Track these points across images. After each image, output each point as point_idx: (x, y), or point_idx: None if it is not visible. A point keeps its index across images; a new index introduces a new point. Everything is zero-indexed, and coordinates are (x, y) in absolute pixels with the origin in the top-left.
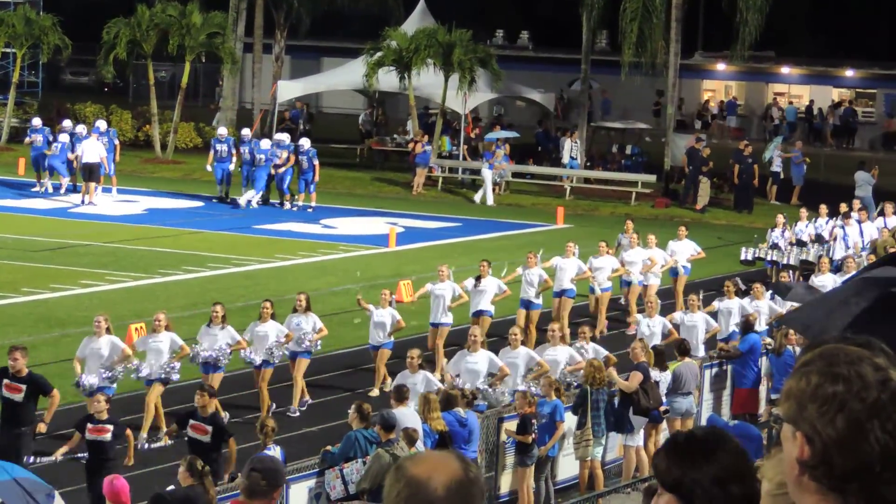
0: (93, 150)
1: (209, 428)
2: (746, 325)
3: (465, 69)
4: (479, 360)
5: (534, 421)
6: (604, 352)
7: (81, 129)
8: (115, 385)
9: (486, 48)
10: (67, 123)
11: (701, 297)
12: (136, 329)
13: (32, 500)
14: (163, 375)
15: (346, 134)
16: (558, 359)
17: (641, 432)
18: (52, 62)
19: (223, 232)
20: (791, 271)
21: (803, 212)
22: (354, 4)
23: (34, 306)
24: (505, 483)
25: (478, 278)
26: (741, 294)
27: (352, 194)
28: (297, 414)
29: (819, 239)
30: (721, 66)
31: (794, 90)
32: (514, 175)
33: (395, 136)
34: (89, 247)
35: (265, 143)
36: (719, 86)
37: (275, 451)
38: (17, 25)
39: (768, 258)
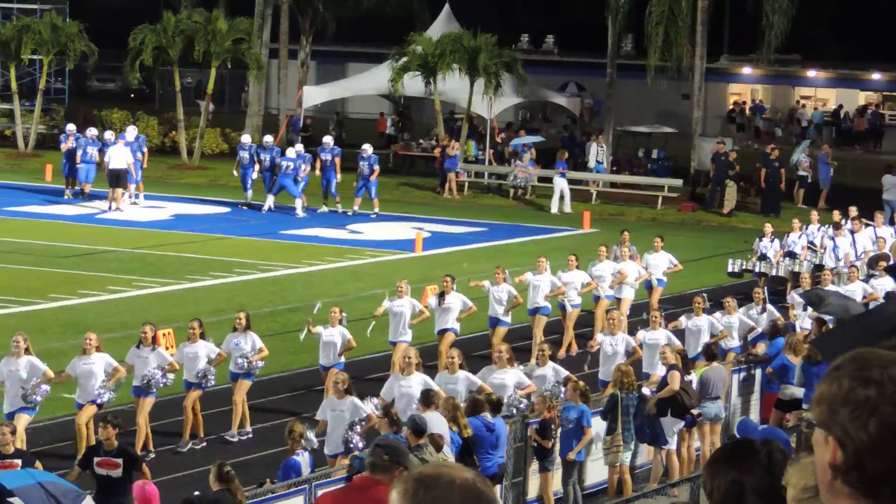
0: (120, 156)
1: (119, 461)
2: (774, 330)
3: (490, 74)
4: (413, 383)
5: (553, 426)
6: (564, 372)
7: (109, 135)
8: (36, 409)
9: (511, 52)
10: (92, 131)
11: (706, 302)
12: (164, 335)
13: (54, 502)
14: (95, 399)
15: (371, 139)
16: (506, 382)
17: (675, 436)
18: (79, 69)
19: (250, 237)
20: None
21: (796, 222)
22: (380, 9)
23: (62, 312)
24: (532, 488)
25: (441, 295)
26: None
27: (378, 199)
28: (237, 439)
29: (811, 248)
30: (747, 70)
31: (820, 93)
32: (540, 180)
33: (421, 140)
34: (116, 253)
35: (290, 152)
36: (745, 89)
37: (303, 457)
38: (44, 32)
39: (756, 269)
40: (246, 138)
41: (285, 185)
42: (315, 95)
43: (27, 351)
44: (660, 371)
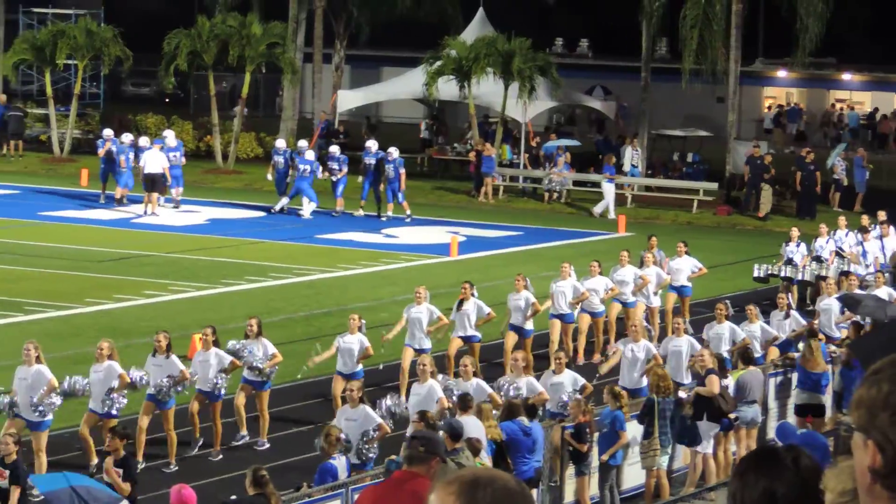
0: (156, 161)
1: (120, 471)
2: (811, 333)
3: (524, 77)
4: (425, 391)
5: (588, 430)
6: (581, 380)
7: (144, 140)
8: (49, 417)
9: (545, 56)
10: (128, 136)
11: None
12: (201, 338)
13: None
14: (104, 409)
15: (406, 143)
16: (523, 392)
17: (711, 440)
18: (114, 74)
19: (285, 242)
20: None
21: (823, 227)
22: (414, 14)
23: (98, 317)
24: (569, 492)
25: (460, 302)
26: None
27: (413, 203)
28: (266, 446)
29: (839, 254)
30: (782, 73)
31: (855, 97)
32: (575, 183)
33: (456, 144)
34: (152, 257)
35: (309, 154)
36: (780, 93)
37: (340, 461)
38: (79, 37)
39: (782, 275)
40: (280, 143)
41: (301, 187)
42: (349, 100)
43: (38, 360)
44: (685, 378)
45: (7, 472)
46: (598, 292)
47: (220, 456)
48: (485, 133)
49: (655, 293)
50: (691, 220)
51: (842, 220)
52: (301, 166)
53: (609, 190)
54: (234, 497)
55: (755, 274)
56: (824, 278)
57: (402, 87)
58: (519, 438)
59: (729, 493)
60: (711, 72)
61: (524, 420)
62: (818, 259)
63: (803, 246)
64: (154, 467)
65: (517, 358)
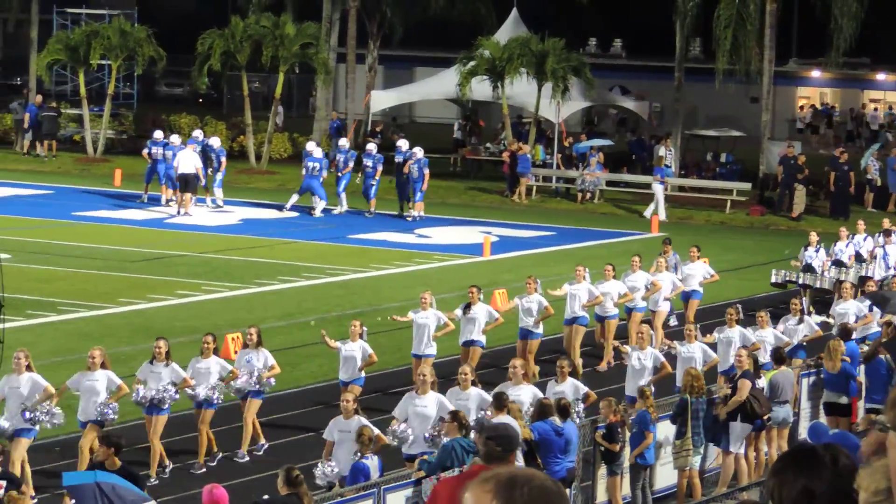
0: (189, 161)
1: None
2: (844, 332)
3: (558, 78)
4: (429, 402)
5: (620, 430)
6: (584, 388)
7: (176, 139)
8: (37, 427)
9: (578, 56)
10: (158, 134)
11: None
12: (233, 339)
13: (105, 502)
14: (98, 417)
15: (439, 143)
16: (521, 399)
17: (743, 440)
18: (147, 74)
19: (318, 242)
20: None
21: (843, 231)
22: (447, 14)
23: (132, 316)
24: (601, 492)
25: (467, 306)
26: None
27: (446, 203)
28: (246, 459)
29: (858, 258)
30: (816, 73)
31: (889, 97)
32: (608, 183)
33: (489, 144)
34: (185, 257)
35: (318, 153)
36: (814, 93)
37: (372, 461)
38: (113, 37)
39: (800, 281)
40: (311, 146)
41: (312, 185)
42: (383, 100)
43: (28, 368)
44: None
45: (3, 483)
46: (612, 296)
47: (203, 469)
48: (518, 133)
49: (667, 299)
50: (724, 221)
51: (860, 224)
52: (310, 164)
53: (659, 191)
54: (266, 497)
55: (773, 279)
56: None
57: (436, 88)
58: (551, 438)
59: (767, 491)
60: (745, 72)
61: (556, 420)
62: (838, 263)
63: (822, 251)
64: (182, 469)
65: (516, 366)
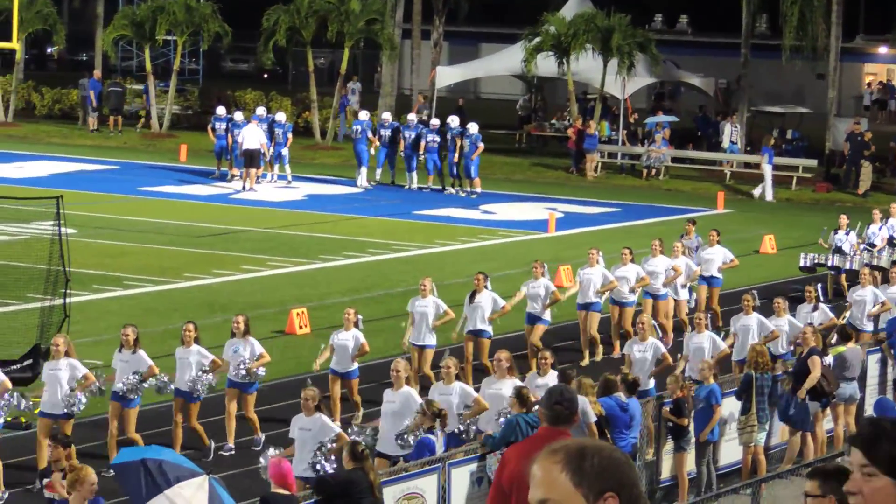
0: (253, 136)
1: None
2: None
3: (623, 54)
4: (397, 399)
5: (687, 405)
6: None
7: (240, 116)
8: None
9: (644, 32)
10: (221, 110)
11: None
12: (298, 314)
13: (150, 482)
14: (64, 410)
15: (504, 119)
16: (503, 393)
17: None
18: (213, 49)
19: (383, 217)
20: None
21: (876, 213)
22: None
23: (197, 291)
24: (666, 468)
25: (472, 294)
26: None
27: (511, 180)
28: (232, 452)
29: (892, 242)
30: (883, 50)
31: None
32: (674, 160)
33: (554, 121)
34: (250, 233)
35: (363, 115)
36: (881, 69)
37: (438, 436)
38: (178, 13)
39: (829, 263)
40: (386, 115)
41: (358, 151)
42: (448, 76)
43: (67, 353)
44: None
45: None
46: (628, 281)
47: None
48: (584, 110)
49: (684, 286)
50: (790, 198)
51: (894, 207)
52: (355, 127)
53: (768, 171)
54: (331, 471)
55: (801, 263)
56: (877, 267)
57: (501, 64)
58: (616, 414)
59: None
60: (812, 48)
61: (621, 396)
62: (871, 246)
63: (852, 234)
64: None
65: (500, 359)
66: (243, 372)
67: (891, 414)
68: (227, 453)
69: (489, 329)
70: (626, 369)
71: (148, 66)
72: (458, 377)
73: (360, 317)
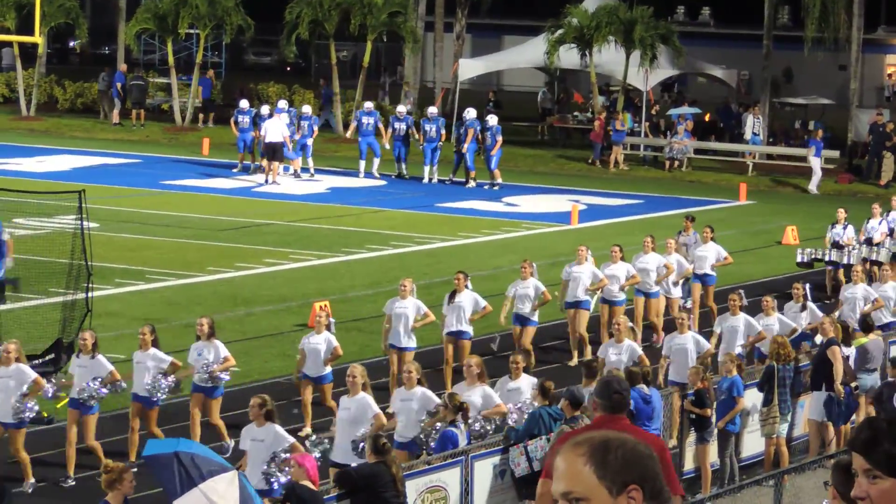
0: (275, 129)
1: None
2: None
3: (646, 46)
4: (353, 405)
5: (709, 395)
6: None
7: (265, 109)
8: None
9: (667, 24)
10: (244, 103)
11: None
12: (321, 307)
13: (184, 475)
14: (11, 418)
15: (527, 111)
16: (472, 399)
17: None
18: (235, 42)
19: (405, 210)
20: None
21: (876, 207)
22: None
23: (219, 285)
24: (688, 459)
25: (452, 294)
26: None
27: (533, 172)
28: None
29: (892, 234)
30: None
31: None
32: (696, 151)
33: (577, 113)
34: (273, 226)
35: (368, 106)
36: None
37: (461, 429)
38: (201, 6)
39: (827, 258)
40: (402, 109)
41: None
42: (471, 68)
43: (18, 359)
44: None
45: None
46: (618, 279)
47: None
48: (607, 102)
49: (676, 283)
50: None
51: (875, 208)
52: (364, 119)
53: (816, 164)
54: (354, 465)
55: (798, 259)
56: (875, 262)
57: (524, 56)
58: (640, 406)
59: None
60: (833, 39)
61: (644, 388)
62: (870, 241)
63: (850, 228)
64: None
65: (471, 364)
66: (206, 376)
67: None
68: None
69: (470, 330)
70: (649, 361)
71: (171, 59)
72: (419, 382)
73: (332, 319)
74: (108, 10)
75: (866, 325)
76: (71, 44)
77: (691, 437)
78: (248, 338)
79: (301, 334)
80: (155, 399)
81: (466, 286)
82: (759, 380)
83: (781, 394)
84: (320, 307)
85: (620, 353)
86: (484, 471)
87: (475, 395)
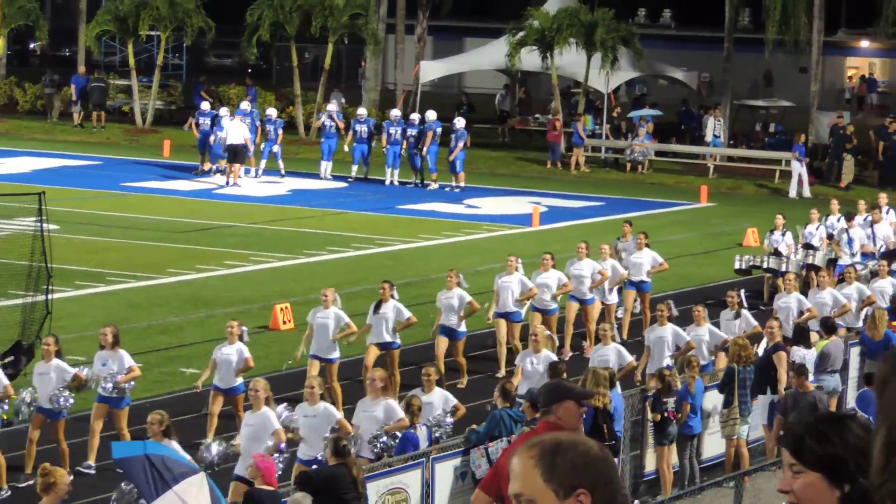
0: (237, 131)
1: None
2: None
3: (607, 48)
4: (255, 422)
5: (665, 400)
6: (453, 400)
7: (224, 111)
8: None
9: (628, 27)
10: (205, 106)
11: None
12: (282, 309)
13: (157, 477)
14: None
15: (489, 114)
16: (376, 414)
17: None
18: (196, 44)
19: (367, 212)
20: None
21: (814, 213)
22: None
23: (180, 287)
24: (650, 462)
25: (378, 304)
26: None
27: (494, 174)
28: (93, 471)
29: (830, 238)
30: (864, 44)
31: None
32: (657, 153)
33: (538, 115)
34: (234, 228)
35: (332, 107)
36: (862, 63)
37: (421, 431)
38: (162, 8)
39: (765, 265)
40: (362, 111)
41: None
42: (432, 70)
43: (58, 354)
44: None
45: None
46: (549, 288)
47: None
48: (567, 105)
49: (611, 290)
50: (775, 189)
51: (834, 204)
52: (357, 127)
53: (798, 168)
54: (315, 466)
55: (736, 265)
56: (815, 268)
57: (485, 58)
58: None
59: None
60: (794, 42)
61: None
62: (808, 247)
63: (789, 235)
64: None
65: (374, 378)
66: (110, 386)
67: (873, 406)
68: (86, 471)
69: (397, 340)
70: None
71: (131, 61)
72: (323, 396)
73: (244, 329)
74: (69, 12)
75: (827, 327)
76: (31, 46)
77: (652, 439)
78: (208, 340)
79: (262, 337)
80: (59, 411)
81: (392, 296)
82: (720, 381)
83: (742, 395)
84: (237, 323)
85: (538, 363)
86: (445, 472)
87: (378, 409)
